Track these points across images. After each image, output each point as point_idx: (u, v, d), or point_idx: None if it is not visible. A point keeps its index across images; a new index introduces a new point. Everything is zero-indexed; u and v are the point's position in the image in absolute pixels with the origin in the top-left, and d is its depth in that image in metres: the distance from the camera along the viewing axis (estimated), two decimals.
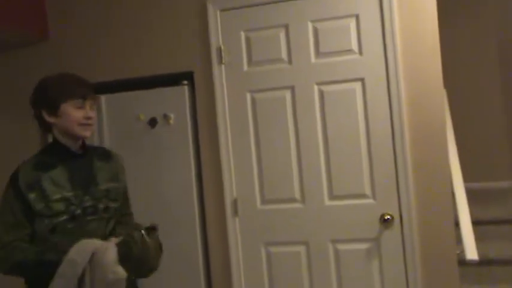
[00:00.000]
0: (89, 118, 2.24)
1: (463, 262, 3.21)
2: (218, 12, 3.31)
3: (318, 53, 3.19)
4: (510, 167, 4.96)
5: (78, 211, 2.21)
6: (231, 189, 3.29)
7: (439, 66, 3.04)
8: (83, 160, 2.31)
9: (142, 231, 2.17)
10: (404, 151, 3.06)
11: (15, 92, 3.67)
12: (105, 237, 2.26)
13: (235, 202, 3.28)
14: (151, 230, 2.22)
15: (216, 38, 3.31)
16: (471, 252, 3.25)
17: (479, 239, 3.42)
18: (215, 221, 3.33)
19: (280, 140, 3.23)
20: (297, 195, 3.22)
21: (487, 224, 3.97)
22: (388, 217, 3.08)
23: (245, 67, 3.29)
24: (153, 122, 3.40)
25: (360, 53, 3.13)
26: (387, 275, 3.11)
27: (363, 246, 3.15)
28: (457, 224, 3.29)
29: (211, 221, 3.35)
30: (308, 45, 3.20)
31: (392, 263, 3.10)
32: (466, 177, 3.65)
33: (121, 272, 2.08)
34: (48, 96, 2.22)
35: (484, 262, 3.51)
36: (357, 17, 3.13)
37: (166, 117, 3.38)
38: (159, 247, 2.30)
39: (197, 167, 3.38)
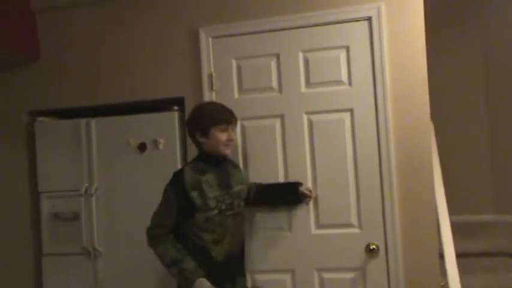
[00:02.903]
0: (230, 140, 2.84)
1: None
2: (210, 40, 3.35)
3: (308, 83, 3.23)
4: (494, 200, 5.01)
5: (223, 207, 2.80)
6: None
7: (426, 99, 3.08)
8: (223, 167, 2.91)
9: None
10: (391, 182, 3.09)
11: (5, 112, 3.68)
12: (237, 230, 2.90)
13: None
14: None
15: (208, 64, 3.35)
16: (455, 284, 3.26)
17: (463, 271, 3.43)
18: None
19: (269, 168, 3.24)
20: (284, 223, 3.23)
21: (471, 257, 3.99)
22: (374, 247, 3.10)
23: (236, 94, 3.32)
24: (142, 147, 3.41)
25: (350, 84, 3.17)
26: None
27: (348, 275, 3.16)
28: (441, 256, 3.30)
29: None
30: (298, 75, 3.24)
31: None
32: (451, 210, 3.67)
33: None
34: (200, 122, 2.81)
35: None
36: (347, 48, 3.18)
37: (155, 142, 3.39)
38: None
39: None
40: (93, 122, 3.51)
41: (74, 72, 3.59)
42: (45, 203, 3.59)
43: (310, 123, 3.22)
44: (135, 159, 3.43)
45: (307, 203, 3.19)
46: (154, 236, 2.76)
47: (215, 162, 2.86)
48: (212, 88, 3.33)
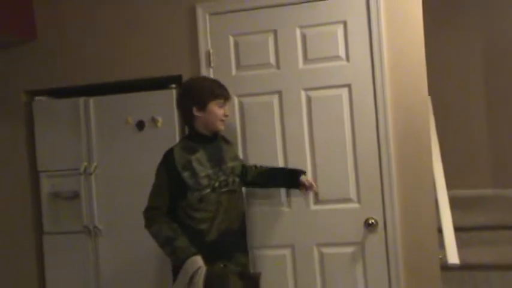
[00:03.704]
0: (226, 116, 2.84)
1: (445, 267, 3.25)
2: (207, 16, 3.34)
3: (305, 59, 3.22)
4: (492, 174, 5.03)
5: (216, 184, 2.78)
6: None
7: (424, 73, 3.09)
8: (214, 144, 2.89)
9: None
10: (389, 157, 3.11)
11: (3, 92, 3.67)
12: (233, 207, 2.85)
13: None
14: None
15: (205, 41, 3.34)
16: (453, 257, 3.29)
17: (461, 244, 3.47)
18: None
19: (267, 145, 3.25)
20: (283, 198, 3.25)
21: (469, 231, 4.02)
22: (373, 221, 3.12)
23: (233, 71, 3.32)
24: (140, 125, 3.42)
25: (347, 59, 3.17)
26: (371, 278, 3.15)
27: (348, 250, 3.19)
28: (439, 230, 3.33)
29: None
30: (296, 51, 3.23)
31: (376, 267, 3.14)
32: (450, 185, 3.69)
33: None
34: (199, 95, 2.78)
35: (465, 267, 3.56)
36: (345, 23, 3.17)
37: (154, 120, 3.40)
38: None
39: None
40: (91, 100, 3.51)
41: (71, 51, 3.57)
42: (45, 182, 3.60)
43: (308, 99, 3.22)
44: (134, 137, 3.43)
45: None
46: (149, 218, 2.77)
47: (205, 139, 2.85)
48: (210, 65, 3.32)
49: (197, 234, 2.73)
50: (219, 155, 2.87)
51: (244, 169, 3.09)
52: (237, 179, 2.93)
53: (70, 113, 3.55)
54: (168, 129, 3.39)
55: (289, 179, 3.09)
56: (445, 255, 3.27)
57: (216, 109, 2.80)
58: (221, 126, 2.85)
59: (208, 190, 2.75)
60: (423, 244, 3.09)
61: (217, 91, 2.81)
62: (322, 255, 3.22)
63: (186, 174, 2.72)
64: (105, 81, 3.53)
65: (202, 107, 2.78)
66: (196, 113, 2.79)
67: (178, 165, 2.73)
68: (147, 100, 3.42)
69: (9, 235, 3.67)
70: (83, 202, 3.51)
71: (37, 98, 3.64)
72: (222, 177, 2.82)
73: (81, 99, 3.53)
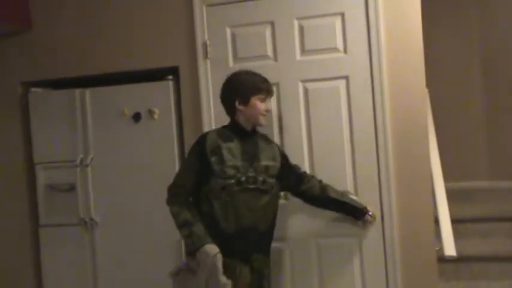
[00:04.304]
0: (268, 110, 2.84)
1: (441, 258, 3.25)
2: (204, 8, 3.32)
3: (303, 51, 3.21)
4: (489, 167, 5.04)
5: (243, 178, 2.75)
6: None
7: (422, 65, 3.08)
8: (252, 139, 2.87)
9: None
10: (386, 149, 3.10)
11: None
12: (259, 206, 2.78)
13: None
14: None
15: (202, 33, 3.32)
16: (450, 249, 3.29)
17: (458, 236, 3.47)
18: None
19: None
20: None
21: (466, 222, 4.03)
22: (370, 213, 3.11)
23: (231, 63, 3.30)
24: (137, 117, 3.40)
25: (345, 51, 3.16)
26: (368, 270, 3.15)
27: (345, 241, 3.19)
28: (436, 222, 3.33)
29: None
30: (293, 43, 3.22)
31: (373, 259, 3.14)
32: (446, 177, 3.69)
33: (226, 281, 2.62)
34: (242, 89, 2.78)
35: (462, 259, 3.56)
36: (343, 15, 3.15)
37: (150, 112, 3.38)
38: None
39: (181, 163, 3.38)
40: (87, 92, 3.50)
41: (67, 42, 3.56)
42: (41, 174, 3.59)
43: (306, 91, 3.21)
44: (130, 129, 3.42)
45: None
46: (172, 195, 2.80)
47: (244, 133, 2.83)
48: (207, 57, 3.31)
49: (213, 222, 2.73)
50: (253, 151, 2.84)
51: (297, 176, 3.03)
52: (271, 180, 2.84)
53: (66, 105, 3.54)
54: (164, 121, 3.38)
55: (353, 214, 3.08)
56: (442, 247, 3.26)
57: (258, 103, 2.78)
58: (263, 121, 2.84)
59: (232, 181, 2.73)
60: (420, 236, 3.10)
61: (259, 85, 2.80)
62: (319, 247, 3.22)
63: (213, 159, 2.73)
64: (101, 73, 3.51)
65: (245, 100, 2.77)
66: (239, 106, 2.78)
67: (207, 149, 2.74)
68: (144, 92, 3.41)
69: (5, 227, 3.67)
70: (79, 194, 3.51)
71: (33, 89, 3.63)
72: (251, 174, 2.77)
73: (77, 91, 3.52)
